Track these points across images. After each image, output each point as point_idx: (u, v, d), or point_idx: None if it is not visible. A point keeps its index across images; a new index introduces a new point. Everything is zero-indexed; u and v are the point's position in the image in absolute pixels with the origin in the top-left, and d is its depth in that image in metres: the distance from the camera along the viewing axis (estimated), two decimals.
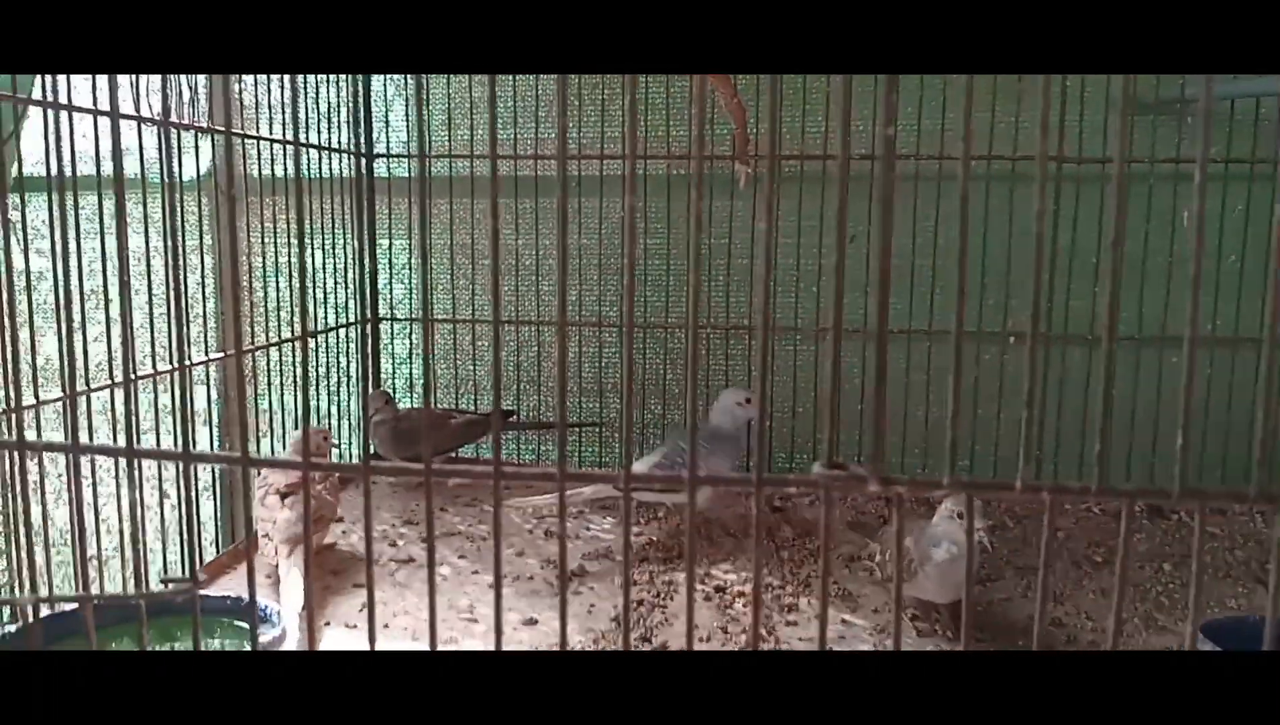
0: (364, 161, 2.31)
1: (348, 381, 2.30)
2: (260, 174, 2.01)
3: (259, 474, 1.76)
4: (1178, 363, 2.16)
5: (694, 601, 0.74)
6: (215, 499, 2.22)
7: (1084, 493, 0.70)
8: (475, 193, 2.30)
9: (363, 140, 2.32)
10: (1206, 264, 2.04)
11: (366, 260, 2.32)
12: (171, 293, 1.39)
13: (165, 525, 1.87)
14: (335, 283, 2.21)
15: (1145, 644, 1.44)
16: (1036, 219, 0.67)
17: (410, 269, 2.40)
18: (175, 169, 1.60)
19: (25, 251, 1.59)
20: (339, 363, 2.27)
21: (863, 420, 2.16)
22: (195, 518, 1.72)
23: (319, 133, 2.11)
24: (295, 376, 2.07)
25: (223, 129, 1.80)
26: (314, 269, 2.14)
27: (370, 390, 2.36)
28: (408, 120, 2.34)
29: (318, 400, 2.15)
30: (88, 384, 1.44)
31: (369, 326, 2.37)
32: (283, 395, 2.06)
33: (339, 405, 2.28)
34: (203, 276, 1.89)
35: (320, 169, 2.15)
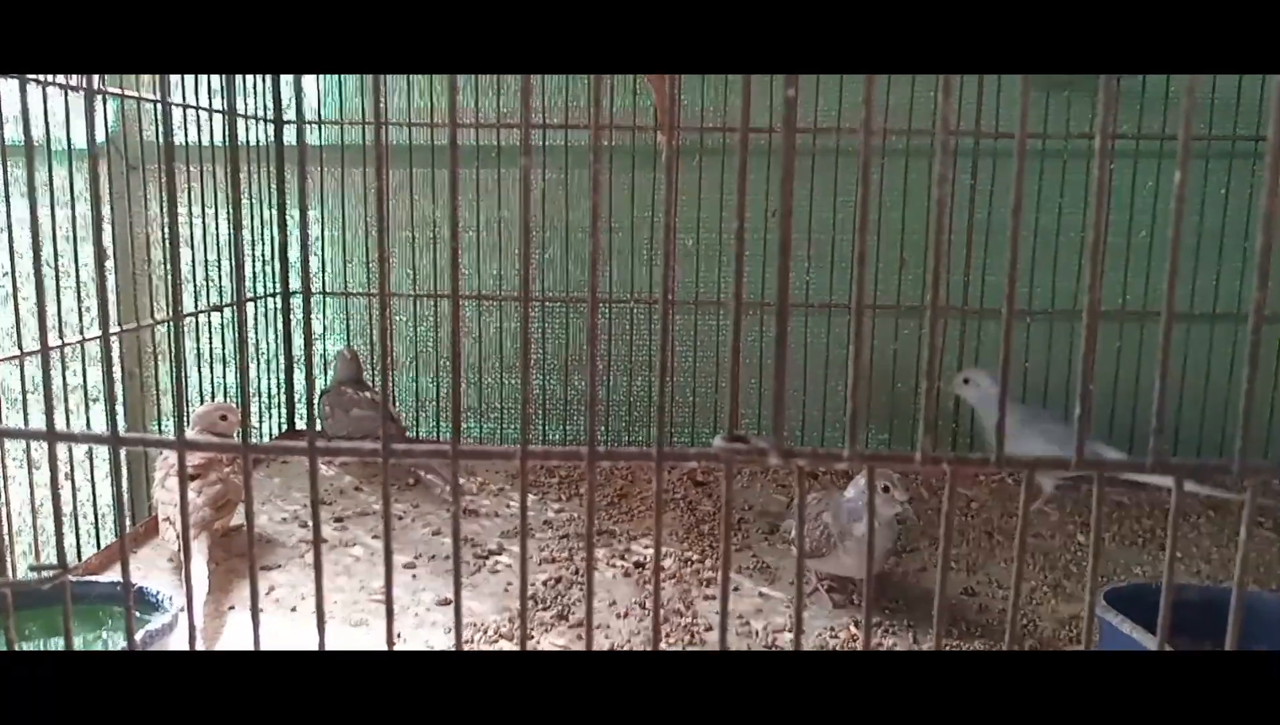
0: (275, 128, 2.23)
1: (260, 357, 2.23)
2: (158, 140, 1.92)
3: (161, 455, 1.69)
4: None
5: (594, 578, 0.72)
6: (118, 483, 2.13)
7: (984, 464, 0.70)
8: (393, 161, 2.23)
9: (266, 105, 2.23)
10: (1118, 239, 2.08)
11: (278, 231, 2.24)
12: (31, 268, 1.31)
13: (75, 508, 1.78)
14: (248, 254, 2.14)
15: (1053, 611, 1.47)
16: (938, 184, 0.66)
17: (324, 241, 2.32)
18: (31, 129, 1.51)
19: None
20: (252, 337, 2.20)
21: (803, 395, 2.17)
22: (60, 504, 1.64)
23: (222, 97, 2.01)
24: (199, 352, 2.00)
25: (117, 91, 1.71)
26: (223, 240, 2.06)
27: (288, 363, 2.29)
28: (319, 86, 2.26)
29: (222, 377, 2.07)
30: None
31: (283, 300, 2.29)
32: (198, 370, 1.98)
33: (250, 381, 2.21)
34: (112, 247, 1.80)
35: (229, 135, 2.06)
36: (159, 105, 1.82)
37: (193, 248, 1.99)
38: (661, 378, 0.72)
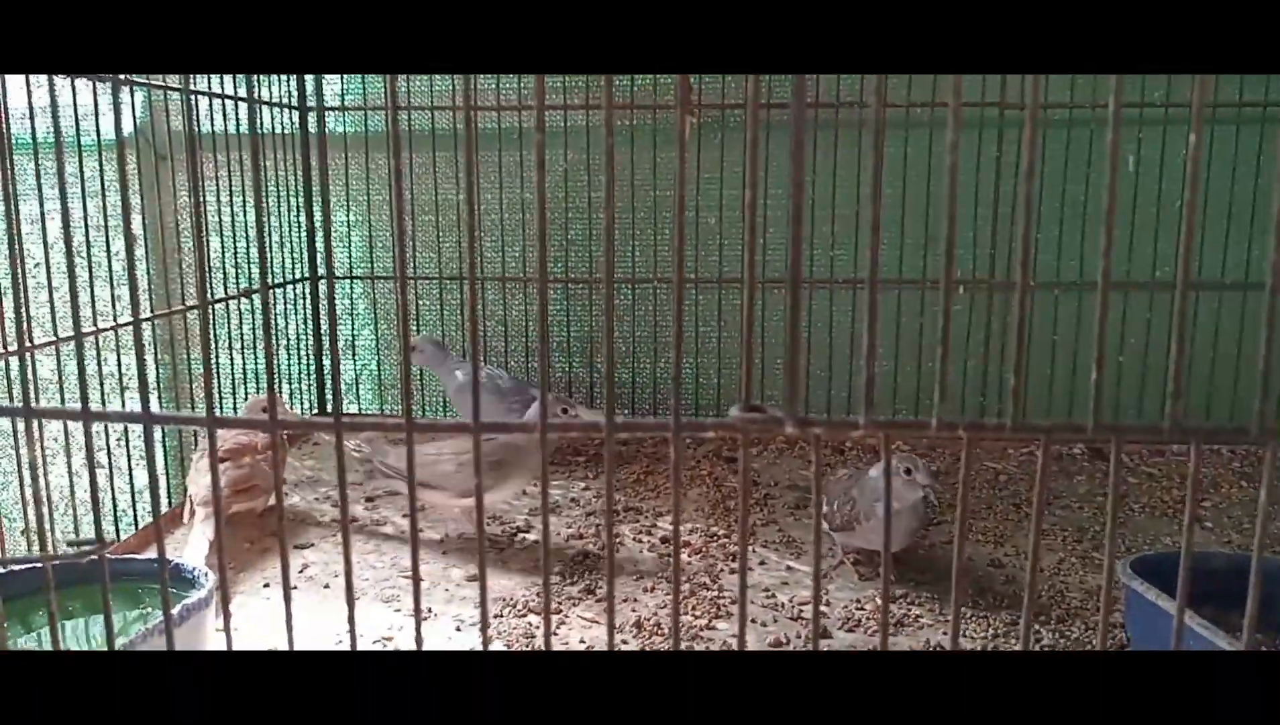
0: (300, 114, 2.25)
1: (288, 342, 2.26)
2: (189, 129, 1.94)
3: (199, 444, 1.72)
4: (1125, 307, 2.18)
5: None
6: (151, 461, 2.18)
7: (999, 430, 0.70)
8: (414, 146, 2.25)
9: (298, 93, 2.25)
10: (1148, 208, 2.05)
11: (304, 218, 2.27)
12: (62, 259, 1.34)
13: (112, 492, 1.82)
14: (280, 243, 2.16)
15: (1081, 582, 1.47)
16: (949, 150, 0.66)
17: (350, 226, 2.34)
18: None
19: None
20: (280, 322, 2.23)
21: (828, 373, 2.16)
22: (96, 480, 1.68)
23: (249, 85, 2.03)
24: (229, 338, 2.03)
25: (143, 81, 1.74)
26: (247, 227, 2.09)
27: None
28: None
29: (254, 362, 2.10)
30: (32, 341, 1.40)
31: (312, 285, 2.32)
32: (231, 356, 2.01)
33: (281, 365, 2.24)
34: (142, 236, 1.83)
35: (260, 123, 2.08)
36: (182, 95, 1.85)
37: (221, 235, 2.02)
38: (677, 347, 0.73)
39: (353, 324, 2.39)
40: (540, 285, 0.68)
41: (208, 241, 2.05)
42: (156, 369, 1.91)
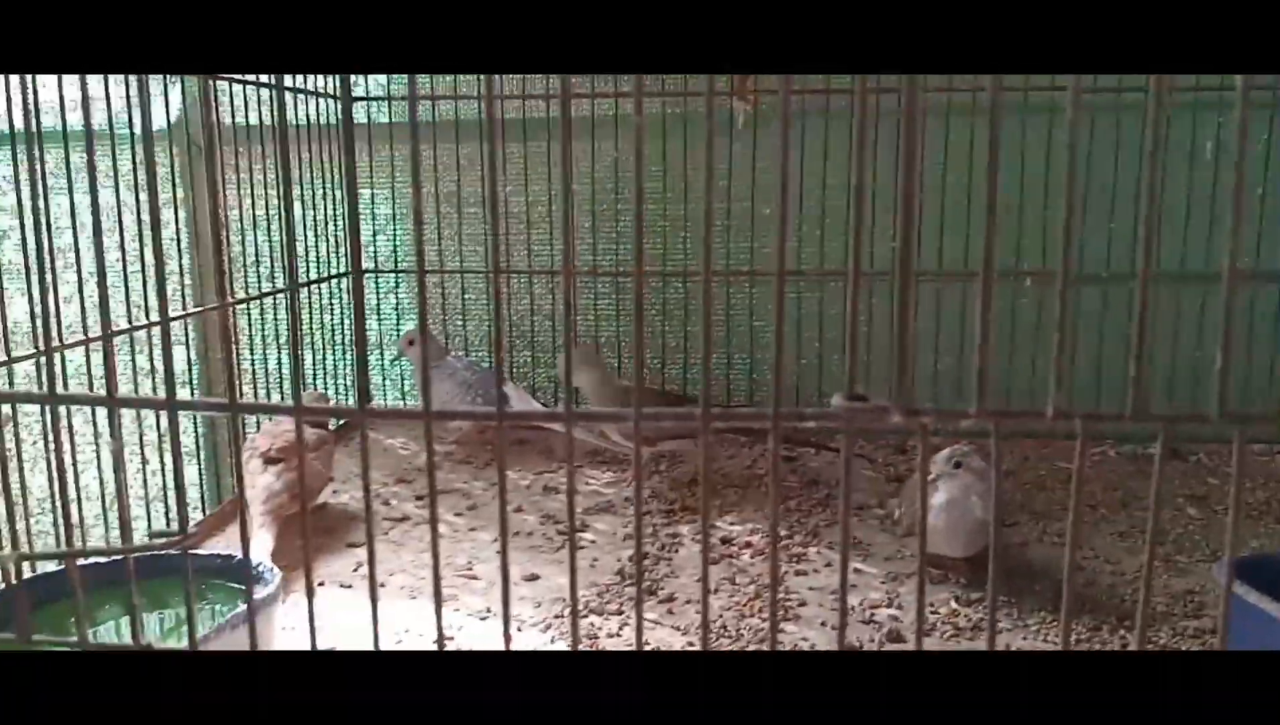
0: (343, 105, 2.22)
1: (328, 336, 2.23)
2: (219, 120, 1.90)
3: (249, 440, 1.70)
4: (1202, 301, 2.05)
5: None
6: (199, 463, 2.16)
7: (1118, 418, 0.65)
8: (461, 137, 2.21)
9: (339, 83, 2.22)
10: (1176, 196, 1.93)
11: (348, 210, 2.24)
12: (150, 246, 1.31)
13: (147, 490, 1.80)
14: (316, 236, 2.13)
15: (1165, 585, 1.40)
16: (1069, 145, 0.61)
17: (395, 220, 2.31)
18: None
19: None
20: (324, 319, 2.20)
21: (892, 357, 2.09)
22: (181, 471, 1.66)
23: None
24: (274, 334, 2.01)
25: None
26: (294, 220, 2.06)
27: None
28: None
29: (298, 357, 2.08)
30: (61, 341, 1.37)
31: (355, 279, 2.29)
32: (264, 352, 1.99)
33: (323, 361, 2.21)
34: (177, 231, 1.81)
35: (297, 113, 2.06)
36: (199, 81, 1.82)
37: (254, 229, 1.98)
38: (779, 339, 0.68)
39: (395, 318, 2.36)
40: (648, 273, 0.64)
41: (251, 234, 2.02)
42: (188, 365, 1.88)
